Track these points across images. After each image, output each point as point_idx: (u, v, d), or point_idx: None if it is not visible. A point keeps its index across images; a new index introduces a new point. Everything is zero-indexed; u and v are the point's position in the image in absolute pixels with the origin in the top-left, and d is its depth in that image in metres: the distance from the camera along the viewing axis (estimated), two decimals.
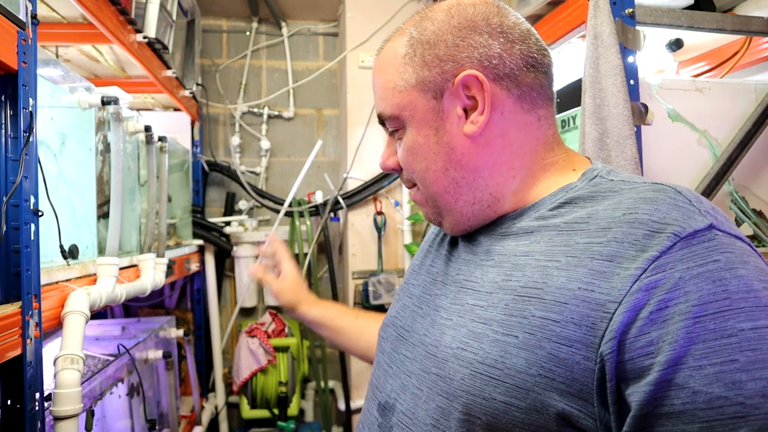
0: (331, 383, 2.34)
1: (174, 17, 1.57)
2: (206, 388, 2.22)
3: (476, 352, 0.54)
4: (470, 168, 0.63)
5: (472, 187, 0.64)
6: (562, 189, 0.61)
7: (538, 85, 0.63)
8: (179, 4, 1.64)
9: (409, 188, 0.71)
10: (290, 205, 2.17)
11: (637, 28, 1.06)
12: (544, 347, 0.49)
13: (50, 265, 0.89)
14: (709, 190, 1.08)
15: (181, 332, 1.66)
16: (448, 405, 0.56)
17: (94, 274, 1.00)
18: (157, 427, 1.32)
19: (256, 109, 2.40)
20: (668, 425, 0.43)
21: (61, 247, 0.92)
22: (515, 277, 0.56)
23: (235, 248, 2.18)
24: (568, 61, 1.39)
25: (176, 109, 2.10)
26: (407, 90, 0.63)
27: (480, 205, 0.64)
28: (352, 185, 2.20)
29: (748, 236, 1.06)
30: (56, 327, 0.85)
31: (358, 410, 2.14)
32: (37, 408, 0.73)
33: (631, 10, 1.05)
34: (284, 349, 2.03)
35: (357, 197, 2.17)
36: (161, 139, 1.36)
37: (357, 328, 0.99)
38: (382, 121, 0.68)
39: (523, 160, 0.63)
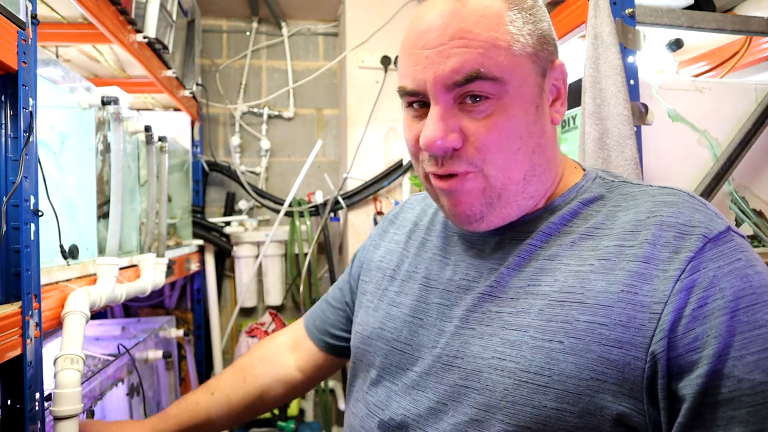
0: (331, 383, 2.34)
1: (174, 17, 1.57)
2: None
3: (517, 361, 0.53)
4: (546, 157, 0.60)
5: (541, 178, 0.60)
6: (572, 189, 0.62)
7: None
8: (179, 4, 1.64)
9: (454, 176, 0.58)
10: (290, 205, 2.17)
11: (637, 28, 1.06)
12: (593, 350, 0.50)
13: (50, 265, 0.89)
14: (709, 190, 1.08)
15: (181, 332, 1.66)
16: (488, 417, 0.54)
17: (94, 274, 1.00)
18: None
19: (256, 109, 2.40)
20: (719, 412, 0.46)
21: (61, 247, 0.91)
22: (545, 282, 0.56)
23: (235, 248, 2.18)
24: (568, 61, 1.38)
25: (176, 109, 2.10)
26: (523, 56, 0.55)
27: (533, 201, 0.61)
28: (352, 185, 2.20)
29: (748, 236, 1.06)
30: (56, 327, 0.85)
31: None
32: (37, 408, 0.73)
33: (631, 10, 1.05)
34: None
35: (357, 197, 2.17)
36: (161, 139, 1.36)
37: (222, 404, 0.86)
38: (466, 81, 0.54)
39: (558, 157, 0.64)
